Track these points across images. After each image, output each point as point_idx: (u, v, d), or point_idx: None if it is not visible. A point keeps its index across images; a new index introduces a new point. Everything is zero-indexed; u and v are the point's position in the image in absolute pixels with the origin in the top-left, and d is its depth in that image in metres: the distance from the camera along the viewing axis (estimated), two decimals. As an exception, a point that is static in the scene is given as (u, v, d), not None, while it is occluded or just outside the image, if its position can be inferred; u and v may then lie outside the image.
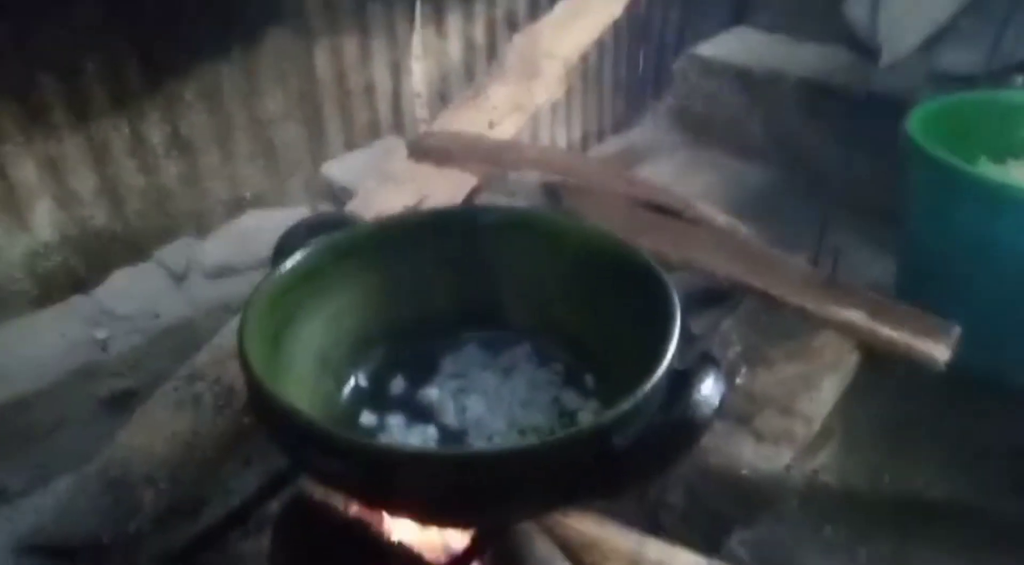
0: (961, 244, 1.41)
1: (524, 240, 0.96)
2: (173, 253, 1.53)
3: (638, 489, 0.61)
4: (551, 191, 1.42)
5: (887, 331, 1.08)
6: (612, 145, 2.42)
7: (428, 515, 0.77)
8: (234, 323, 1.00)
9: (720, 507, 1.23)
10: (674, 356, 0.73)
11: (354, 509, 0.94)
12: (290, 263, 0.87)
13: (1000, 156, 1.56)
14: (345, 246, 0.93)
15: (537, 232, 0.95)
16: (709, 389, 0.67)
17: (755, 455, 1.27)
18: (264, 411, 0.73)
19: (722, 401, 0.67)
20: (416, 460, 0.66)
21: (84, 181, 1.49)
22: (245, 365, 0.73)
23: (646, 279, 0.83)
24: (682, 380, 0.70)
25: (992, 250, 1.36)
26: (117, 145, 1.51)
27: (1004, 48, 1.90)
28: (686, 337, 0.77)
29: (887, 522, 1.29)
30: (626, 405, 0.67)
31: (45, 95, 1.39)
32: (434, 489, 0.67)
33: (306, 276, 0.89)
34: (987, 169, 1.47)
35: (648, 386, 0.69)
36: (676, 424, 0.66)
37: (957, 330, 1.09)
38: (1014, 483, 1.37)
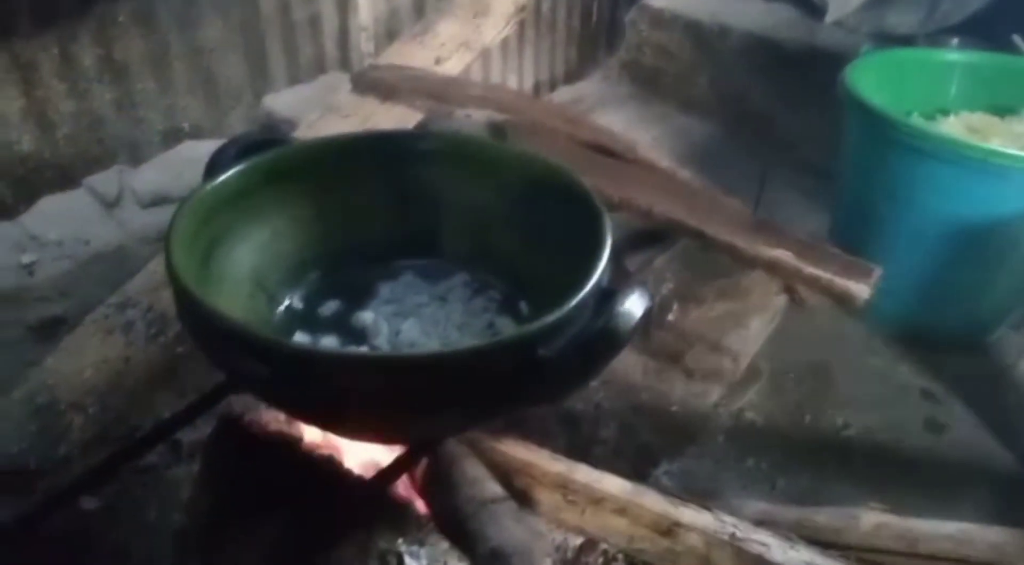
0: (888, 194, 1.47)
1: (462, 166, 0.96)
2: (105, 180, 1.49)
3: (563, 397, 0.63)
4: (496, 129, 1.41)
5: (811, 269, 1.12)
6: (563, 94, 2.42)
7: (356, 427, 0.78)
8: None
9: (649, 441, 1.28)
10: (602, 275, 0.74)
11: (284, 427, 0.94)
12: (220, 179, 0.85)
13: (930, 112, 1.62)
14: (278, 167, 0.91)
15: (475, 158, 0.95)
16: (632, 303, 0.69)
17: (685, 391, 1.32)
18: (193, 319, 0.73)
19: (645, 313, 0.69)
20: (343, 362, 0.67)
21: (9, 103, 1.43)
22: (172, 273, 0.72)
23: (579, 202, 0.84)
24: (609, 298, 0.71)
25: (915, 200, 1.42)
26: (45, 66, 1.45)
27: (941, 11, 1.96)
28: (619, 270, 0.78)
29: (806, 457, 1.36)
30: (550, 318, 0.69)
31: (-37, 7, 1.32)
32: (361, 395, 0.68)
33: (237, 196, 0.87)
34: (917, 123, 1.52)
35: (573, 302, 0.71)
36: (598, 335, 0.67)
37: (878, 271, 1.14)
38: (925, 423, 1.45)
